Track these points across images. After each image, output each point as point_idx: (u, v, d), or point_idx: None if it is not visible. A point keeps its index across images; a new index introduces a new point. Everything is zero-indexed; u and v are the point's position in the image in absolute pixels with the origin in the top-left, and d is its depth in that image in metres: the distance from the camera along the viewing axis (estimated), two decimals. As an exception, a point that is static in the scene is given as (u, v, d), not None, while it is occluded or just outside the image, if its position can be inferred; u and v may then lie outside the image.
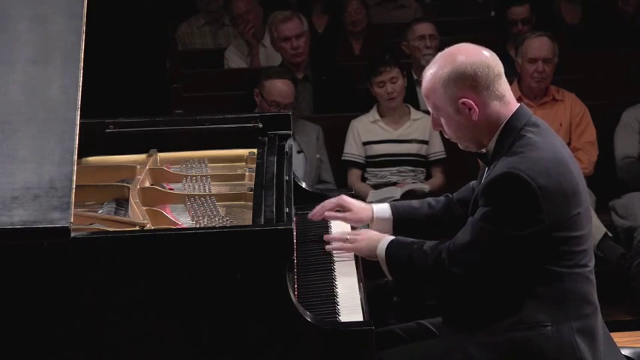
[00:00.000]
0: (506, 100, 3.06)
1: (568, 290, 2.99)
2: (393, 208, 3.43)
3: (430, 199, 3.47)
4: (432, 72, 3.07)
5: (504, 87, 3.06)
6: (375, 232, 3.28)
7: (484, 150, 3.09)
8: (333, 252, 3.34)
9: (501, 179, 2.93)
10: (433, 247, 3.05)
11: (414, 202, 3.47)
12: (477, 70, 3.01)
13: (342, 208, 3.46)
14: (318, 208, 3.48)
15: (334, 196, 3.57)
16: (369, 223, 3.43)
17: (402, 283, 3.42)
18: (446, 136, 3.15)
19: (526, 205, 2.92)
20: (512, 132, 3.02)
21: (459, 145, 3.15)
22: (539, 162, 2.94)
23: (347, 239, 3.29)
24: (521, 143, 2.99)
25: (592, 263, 3.06)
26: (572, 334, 2.97)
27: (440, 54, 3.10)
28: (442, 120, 3.08)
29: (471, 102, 3.01)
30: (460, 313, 3.09)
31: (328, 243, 3.38)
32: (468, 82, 3.01)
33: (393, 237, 3.20)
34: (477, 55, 3.04)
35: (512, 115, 3.04)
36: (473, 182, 3.39)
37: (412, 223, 3.41)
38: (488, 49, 3.09)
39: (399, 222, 3.40)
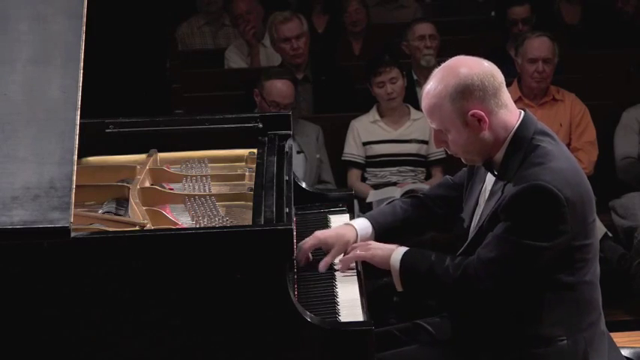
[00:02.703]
0: (510, 108, 3.04)
1: (580, 300, 2.99)
2: (371, 219, 3.34)
3: (398, 202, 3.41)
4: (433, 88, 3.01)
5: (507, 95, 3.04)
6: (385, 244, 3.21)
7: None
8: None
9: (528, 192, 2.89)
10: (458, 263, 2.99)
11: (385, 208, 3.40)
12: (484, 80, 2.98)
13: (323, 245, 3.27)
14: (299, 255, 3.24)
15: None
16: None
17: (413, 294, 3.31)
18: (450, 152, 3.10)
19: (553, 217, 2.89)
20: (522, 141, 2.99)
21: (464, 159, 3.10)
22: (560, 172, 2.92)
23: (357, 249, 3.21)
24: (537, 154, 2.96)
25: (598, 270, 3.06)
26: (585, 346, 2.98)
27: (437, 70, 3.05)
28: (448, 136, 3.03)
29: (481, 113, 2.97)
30: (474, 328, 3.07)
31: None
32: (477, 92, 2.97)
33: (407, 247, 3.14)
34: (479, 66, 3.01)
35: (519, 124, 3.02)
36: (449, 177, 3.37)
37: (391, 230, 3.34)
38: (486, 60, 3.06)
39: (380, 232, 3.32)
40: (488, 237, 2.96)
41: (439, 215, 3.33)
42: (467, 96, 2.97)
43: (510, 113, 3.03)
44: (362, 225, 3.33)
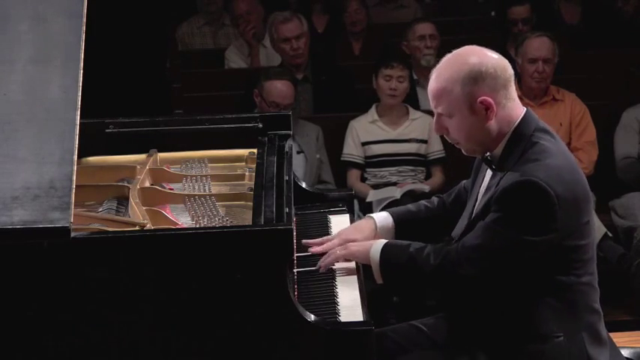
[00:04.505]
0: (517, 103, 3.03)
1: (577, 300, 2.98)
2: (392, 214, 3.38)
3: (423, 201, 3.43)
4: (443, 71, 2.99)
5: (515, 90, 3.03)
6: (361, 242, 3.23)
7: (488, 154, 3.06)
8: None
9: (519, 186, 2.89)
10: (438, 249, 3.01)
11: (410, 206, 3.43)
12: (497, 69, 2.97)
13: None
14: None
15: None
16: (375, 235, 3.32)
17: (395, 286, 3.32)
18: (449, 140, 3.08)
19: (542, 213, 2.88)
20: (522, 137, 2.99)
21: (464, 149, 3.08)
22: (555, 170, 2.91)
23: (338, 253, 3.21)
24: (534, 150, 2.96)
25: (596, 272, 3.05)
26: (584, 344, 2.97)
27: (449, 55, 3.03)
28: (452, 122, 3.00)
29: (490, 101, 2.96)
30: (471, 326, 3.06)
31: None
32: (488, 80, 2.96)
33: (385, 240, 3.16)
34: (491, 56, 3.00)
35: (520, 120, 3.01)
36: (464, 182, 3.36)
37: (413, 225, 3.37)
38: (497, 53, 3.05)
39: (401, 226, 3.35)
40: (478, 227, 2.97)
41: (457, 217, 3.31)
42: (479, 82, 2.95)
43: (516, 108, 3.02)
44: (381, 216, 3.37)
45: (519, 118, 3.02)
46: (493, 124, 2.99)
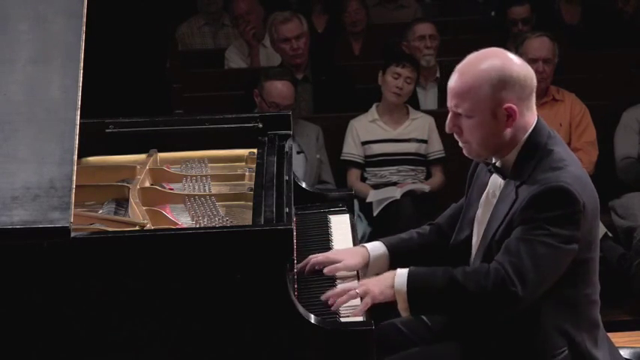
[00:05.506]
0: (533, 112, 2.98)
1: (581, 314, 2.95)
2: (385, 242, 3.24)
3: (415, 230, 3.31)
4: (473, 68, 2.91)
5: (534, 100, 2.98)
6: (378, 276, 3.04)
7: (496, 162, 3.01)
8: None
9: (551, 192, 2.83)
10: (485, 272, 2.83)
11: (402, 235, 3.29)
12: (527, 79, 2.92)
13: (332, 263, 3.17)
14: (306, 264, 3.18)
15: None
16: (367, 263, 3.20)
17: (424, 314, 3.11)
18: (458, 138, 2.98)
19: (571, 220, 2.83)
20: (537, 146, 2.94)
21: (470, 150, 2.99)
22: (578, 178, 2.88)
23: (355, 292, 2.97)
24: (553, 158, 2.91)
25: (598, 283, 3.01)
26: (585, 354, 2.94)
27: (473, 55, 2.96)
28: (469, 122, 2.92)
29: (515, 109, 2.90)
30: (480, 342, 3.00)
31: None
32: (517, 87, 2.90)
33: (404, 269, 2.94)
34: (523, 63, 2.95)
35: (534, 128, 2.96)
36: (454, 204, 3.30)
37: (407, 254, 3.23)
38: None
39: (395, 255, 3.22)
40: (511, 243, 2.85)
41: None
42: (508, 88, 2.89)
43: (531, 117, 2.97)
44: (373, 245, 3.23)
45: (532, 125, 2.97)
46: (510, 131, 2.93)
